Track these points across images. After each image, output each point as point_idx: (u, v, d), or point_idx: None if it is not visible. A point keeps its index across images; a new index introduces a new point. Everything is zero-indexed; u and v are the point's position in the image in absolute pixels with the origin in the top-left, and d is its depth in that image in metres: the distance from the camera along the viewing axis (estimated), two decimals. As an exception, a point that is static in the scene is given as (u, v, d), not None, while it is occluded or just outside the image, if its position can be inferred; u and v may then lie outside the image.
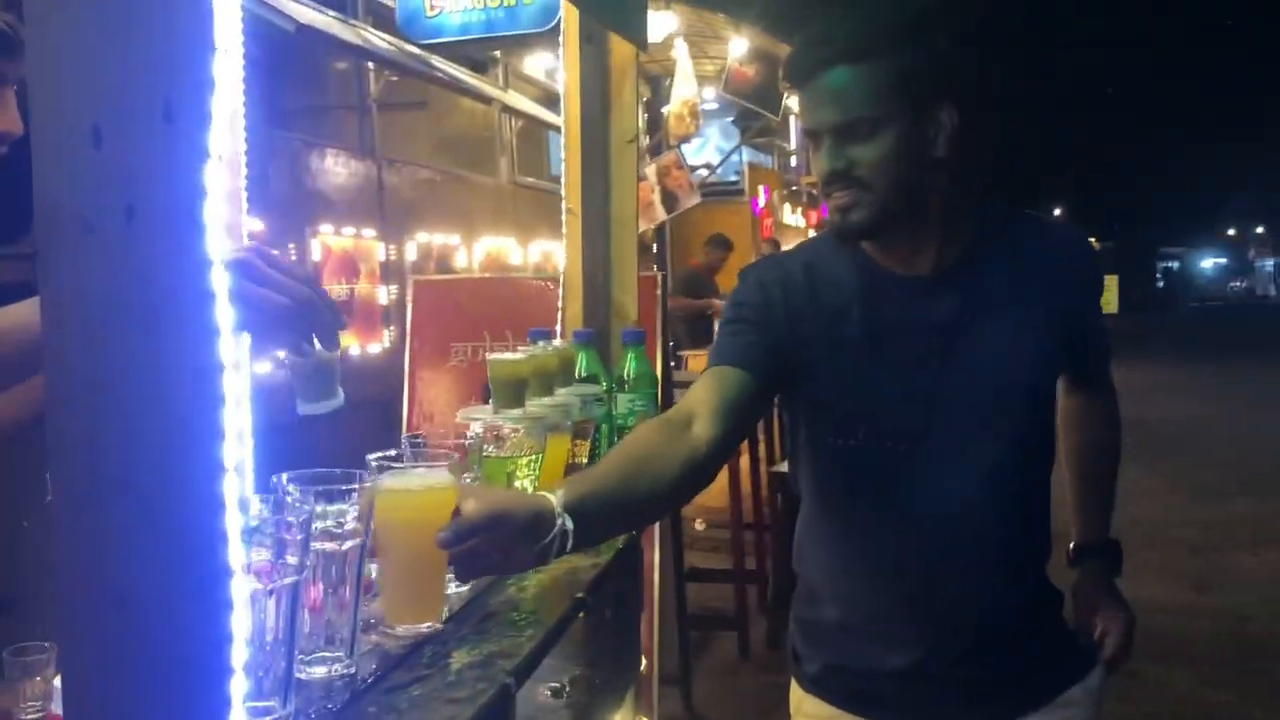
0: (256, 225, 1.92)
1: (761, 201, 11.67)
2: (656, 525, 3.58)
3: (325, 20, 4.16)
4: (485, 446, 1.36)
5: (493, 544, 1.03)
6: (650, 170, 7.20)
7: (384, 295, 4.90)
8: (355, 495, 1.00)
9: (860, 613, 1.51)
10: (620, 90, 1.82)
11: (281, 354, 1.12)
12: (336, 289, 4.62)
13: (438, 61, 5.14)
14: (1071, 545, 1.70)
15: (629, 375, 1.73)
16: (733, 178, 12.44)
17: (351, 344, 4.72)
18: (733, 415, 1.36)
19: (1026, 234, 1.53)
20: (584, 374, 1.73)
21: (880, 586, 1.50)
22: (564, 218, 1.81)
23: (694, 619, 4.65)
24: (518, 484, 1.37)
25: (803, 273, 1.50)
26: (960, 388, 1.46)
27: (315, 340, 1.04)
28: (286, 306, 0.99)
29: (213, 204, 0.62)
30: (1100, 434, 1.71)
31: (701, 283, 8.37)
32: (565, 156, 1.82)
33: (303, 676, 0.98)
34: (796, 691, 1.60)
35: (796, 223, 13.74)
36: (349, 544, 0.99)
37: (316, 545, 0.97)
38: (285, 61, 6.86)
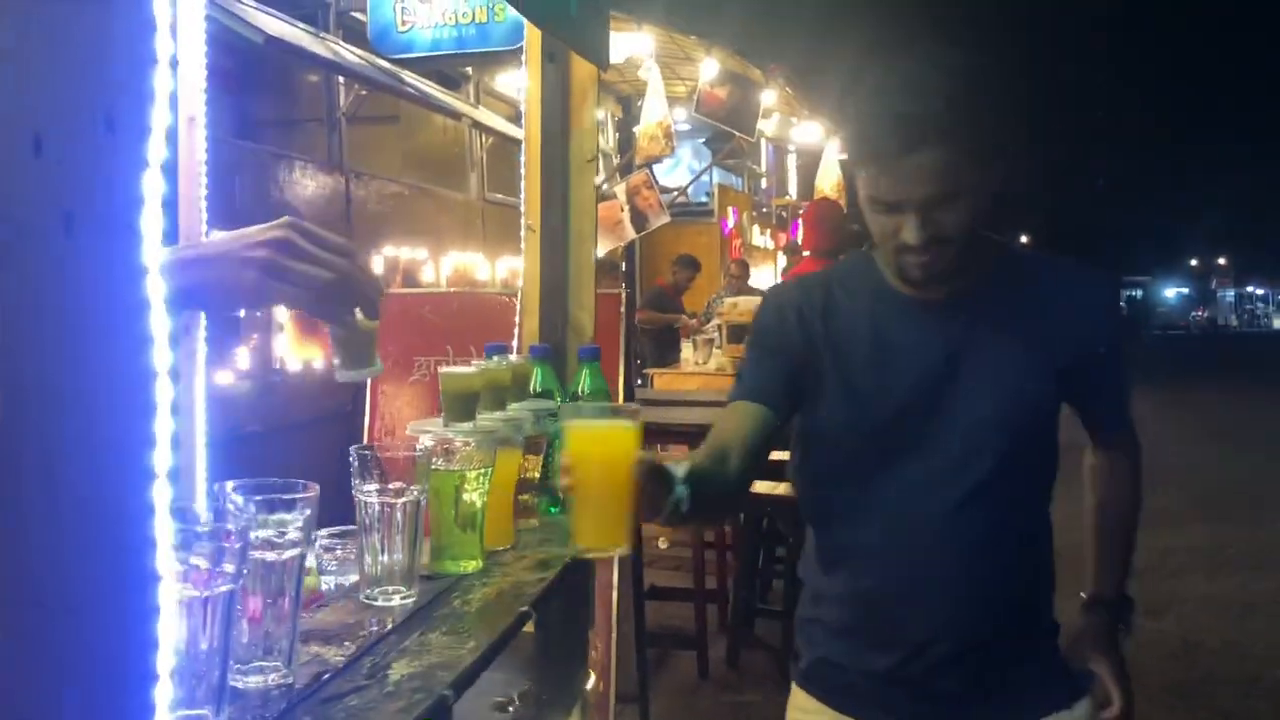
0: (219, 235, 1.92)
1: (731, 223, 11.74)
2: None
3: (295, 33, 4.15)
4: (434, 460, 1.36)
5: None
6: (620, 189, 7.23)
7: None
8: (299, 506, 1.00)
9: (848, 615, 1.60)
10: (581, 109, 1.84)
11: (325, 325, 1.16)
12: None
13: (409, 77, 5.14)
14: (1083, 594, 1.73)
15: (583, 391, 1.74)
16: (703, 199, 12.51)
17: (315, 357, 4.70)
18: (760, 450, 1.51)
19: (1040, 271, 1.61)
20: (539, 389, 1.74)
21: (865, 594, 1.57)
22: (523, 234, 1.82)
23: (653, 637, 4.65)
24: (466, 498, 1.38)
25: (822, 293, 1.61)
26: (953, 411, 1.52)
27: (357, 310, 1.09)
28: (329, 280, 1.02)
29: (151, 212, 0.63)
30: (1119, 492, 1.74)
31: (668, 302, 8.41)
32: (525, 174, 1.84)
33: (239, 686, 0.98)
34: (794, 688, 1.68)
35: (765, 244, 13.82)
36: (289, 554, 1.00)
37: (256, 554, 0.98)
38: (257, 74, 6.85)
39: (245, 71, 6.73)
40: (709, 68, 7.05)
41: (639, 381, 8.56)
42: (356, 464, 1.25)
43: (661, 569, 6.27)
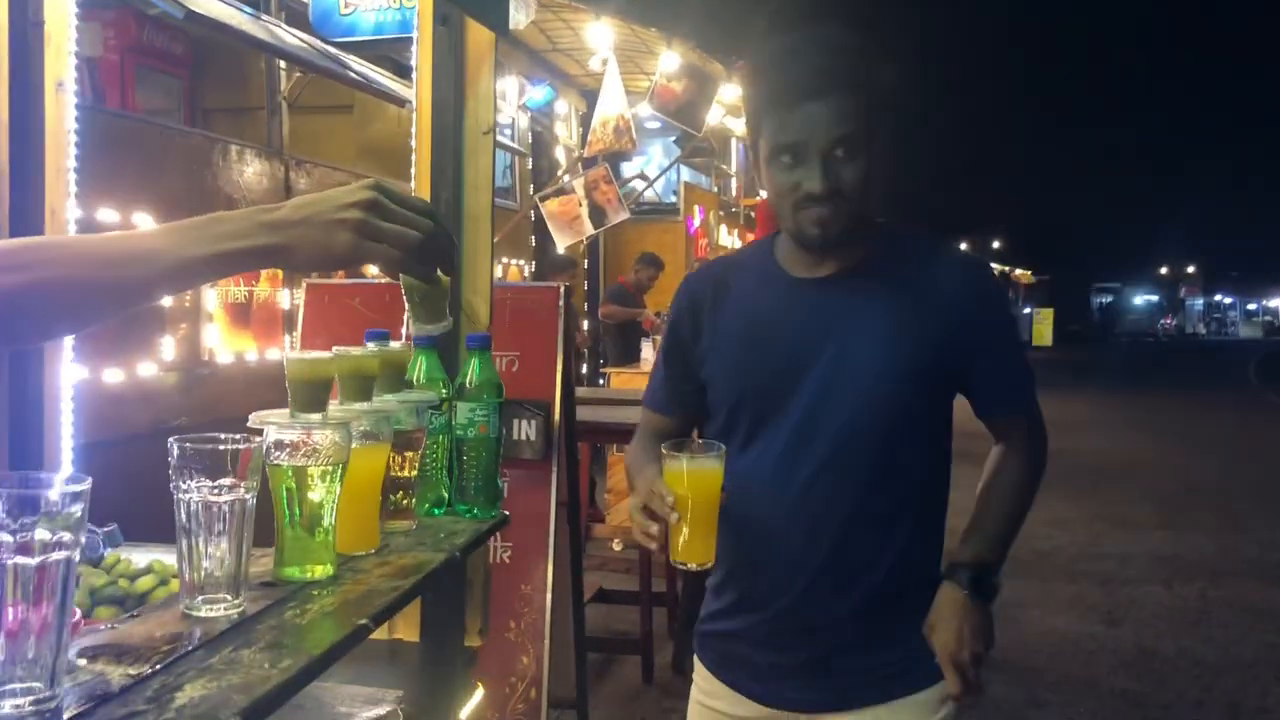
0: (79, 211, 1.80)
1: (696, 221, 11.62)
2: (551, 543, 3.47)
3: (223, 9, 3.99)
4: (273, 453, 1.22)
5: None
6: (578, 184, 7.10)
7: (286, 299, 4.73)
8: (61, 503, 0.86)
9: (719, 578, 1.73)
10: (477, 77, 1.70)
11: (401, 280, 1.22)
12: (235, 291, 4.44)
13: (353, 62, 4.99)
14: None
15: (471, 382, 1.61)
16: (672, 198, 12.39)
17: (249, 348, 4.54)
18: None
19: (921, 252, 1.67)
20: (424, 380, 1.60)
21: (730, 560, 1.66)
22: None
23: (595, 642, 4.53)
24: (311, 497, 1.24)
25: (717, 279, 1.73)
26: (819, 387, 1.59)
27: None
28: (417, 238, 1.06)
29: None
30: (1002, 469, 1.72)
31: (629, 299, 8.28)
32: (416, 146, 1.70)
33: (-16, 711, 0.85)
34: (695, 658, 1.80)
35: (733, 243, 13.73)
36: (51, 557, 0.86)
37: (9, 560, 0.84)
38: (200, 57, 6.68)
39: (191, 55, 6.56)
40: (668, 60, 6.92)
41: (601, 381, 8.43)
42: (176, 458, 1.11)
43: (613, 571, 6.16)
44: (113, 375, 3.69)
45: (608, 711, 4.38)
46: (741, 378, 1.66)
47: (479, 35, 1.71)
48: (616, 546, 6.55)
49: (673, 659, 4.81)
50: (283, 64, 4.79)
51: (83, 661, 0.97)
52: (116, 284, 0.98)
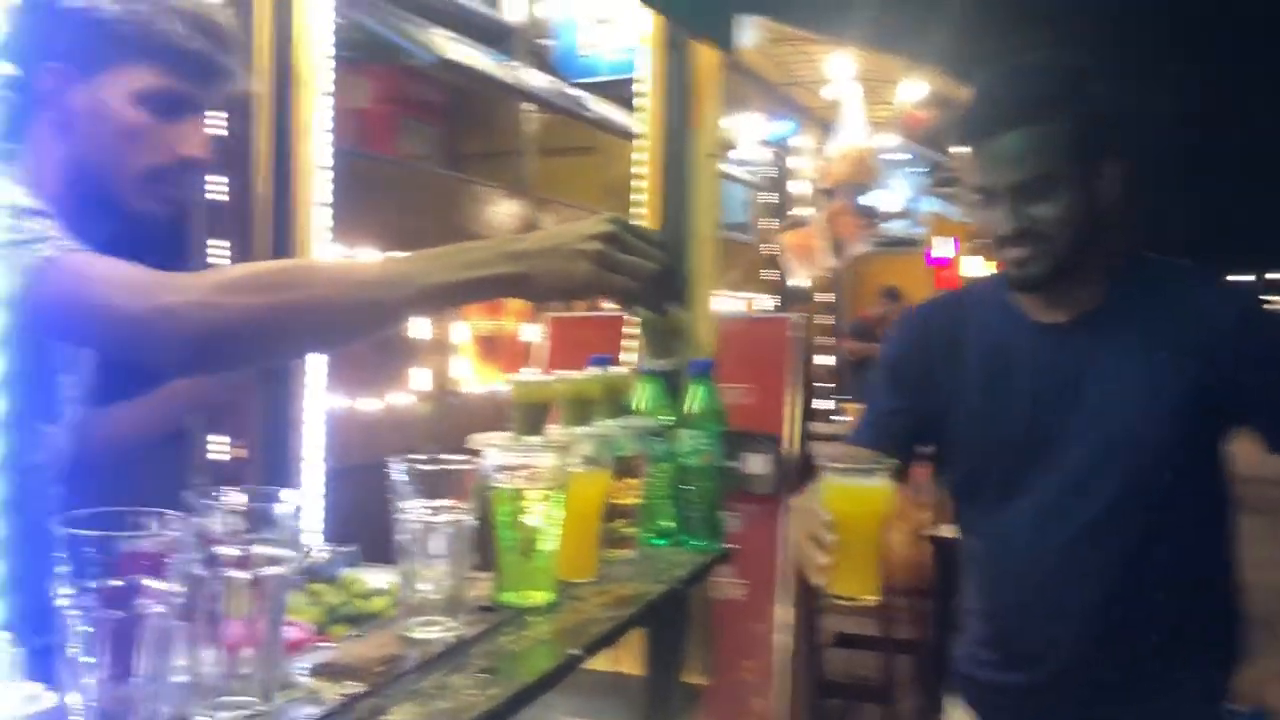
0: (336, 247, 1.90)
1: (938, 252, 11.21)
2: (783, 581, 3.38)
3: (472, 55, 4.18)
4: (494, 475, 1.22)
5: None
6: (819, 216, 6.99)
7: (532, 332, 4.87)
8: (276, 520, 0.87)
9: (983, 631, 1.64)
10: (704, 100, 1.67)
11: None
12: (483, 324, 4.61)
13: (591, 101, 5.12)
14: None
15: (694, 410, 1.56)
16: (920, 229, 12.02)
17: (496, 379, 4.71)
18: None
19: (1176, 285, 1.55)
20: (647, 406, 1.57)
21: (995, 613, 1.61)
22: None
23: (834, 687, 4.37)
24: (528, 522, 1.22)
25: (949, 314, 1.65)
26: (1077, 437, 1.50)
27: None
28: (651, 271, 1.08)
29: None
30: None
31: (869, 334, 8.07)
32: (643, 173, 1.68)
33: (203, 721, 0.86)
34: (949, 697, 1.73)
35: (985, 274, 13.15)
36: (265, 572, 0.86)
37: (228, 573, 0.85)
38: (455, 105, 7.04)
39: (448, 104, 6.93)
40: (915, 89, 6.73)
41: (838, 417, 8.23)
42: (396, 479, 1.12)
43: (856, 615, 5.95)
44: (367, 404, 3.90)
45: (846, 759, 4.21)
46: (988, 430, 1.58)
47: (705, 59, 1.68)
48: (859, 589, 6.34)
49: (918, 708, 4.57)
50: (528, 107, 4.97)
51: (302, 678, 0.98)
52: (369, 305, 1.05)
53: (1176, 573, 1.51)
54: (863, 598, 1.38)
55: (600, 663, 1.80)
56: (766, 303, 8.24)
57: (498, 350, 4.65)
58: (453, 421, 4.35)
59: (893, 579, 4.61)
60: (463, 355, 4.44)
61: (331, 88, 1.81)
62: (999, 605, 1.61)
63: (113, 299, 1.06)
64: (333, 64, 1.82)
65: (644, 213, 1.71)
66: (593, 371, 1.45)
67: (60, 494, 1.36)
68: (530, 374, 1.28)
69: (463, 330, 4.44)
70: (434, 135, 7.13)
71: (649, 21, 1.68)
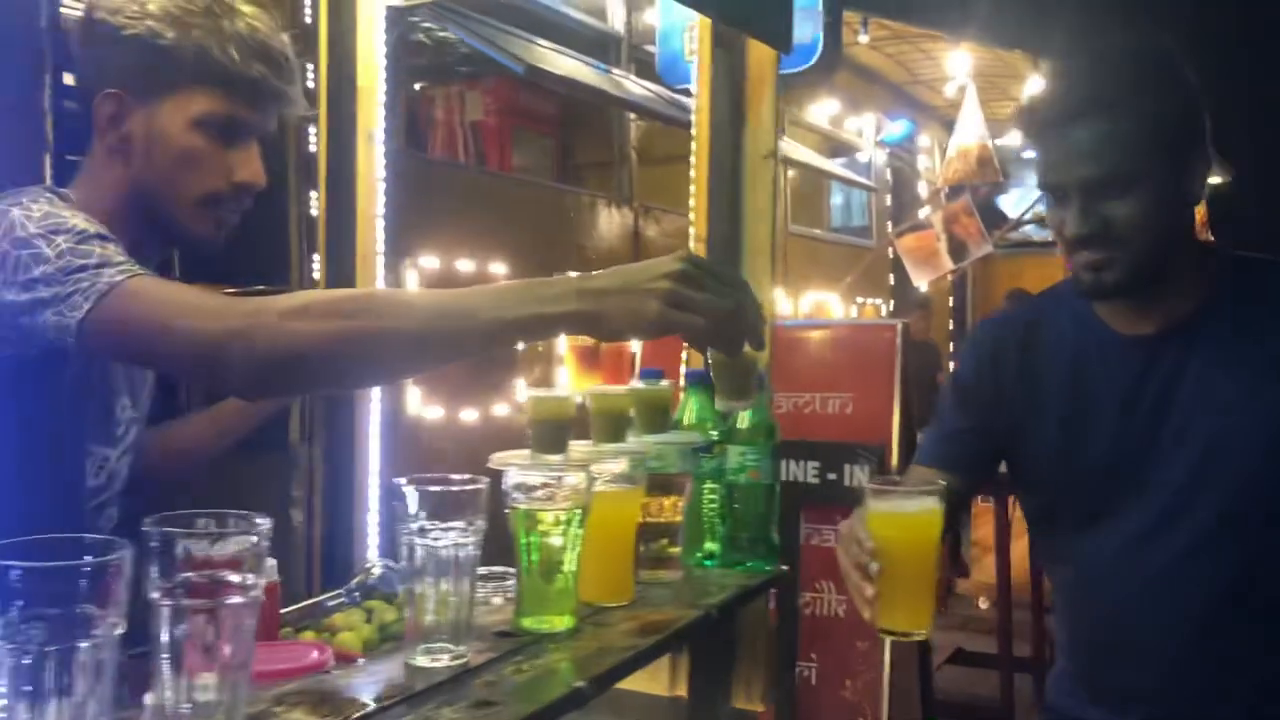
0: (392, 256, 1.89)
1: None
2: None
3: (563, 63, 4.17)
4: (512, 495, 1.17)
5: None
6: (936, 218, 6.78)
7: (634, 342, 4.85)
8: (233, 543, 0.84)
9: (1072, 664, 1.53)
10: (758, 100, 1.59)
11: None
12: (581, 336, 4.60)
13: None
14: None
15: (742, 424, 1.49)
16: (1047, 231, 11.62)
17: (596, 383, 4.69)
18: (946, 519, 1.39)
19: (1262, 286, 1.41)
20: (693, 421, 1.51)
21: (1085, 645, 1.50)
22: (690, 245, 1.60)
23: (948, 707, 4.19)
24: (549, 542, 1.17)
25: (1024, 332, 1.50)
26: (1169, 458, 1.37)
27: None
28: (726, 310, 1.06)
29: None
30: None
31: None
32: (695, 177, 1.61)
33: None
34: None
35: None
36: (232, 600, 0.83)
37: (186, 602, 0.82)
38: (568, 116, 7.09)
39: (561, 115, 6.98)
40: (1034, 84, 6.47)
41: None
42: (400, 499, 1.08)
43: (976, 632, 5.73)
44: (469, 414, 3.92)
45: (961, 784, 4.04)
46: (1068, 455, 1.44)
47: (760, 55, 1.60)
48: (983, 605, 6.11)
49: (1038, 731, 4.35)
50: (632, 116, 4.94)
51: (280, 708, 0.95)
52: (435, 336, 1.05)
53: None
54: (913, 632, 1.25)
55: (657, 686, 1.74)
56: (884, 308, 8.05)
57: (600, 360, 4.63)
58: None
59: (1013, 593, 4.42)
60: (564, 365, 4.44)
61: (384, 94, 1.79)
62: (1083, 642, 1.50)
63: (181, 323, 1.06)
64: (384, 68, 1.80)
65: (694, 217, 1.64)
66: (632, 385, 1.39)
67: (113, 516, 1.37)
68: (549, 390, 1.23)
69: (563, 341, 4.44)
70: (549, 147, 7.21)
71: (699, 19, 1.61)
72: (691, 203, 1.64)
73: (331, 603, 1.63)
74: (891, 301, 8.28)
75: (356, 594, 1.69)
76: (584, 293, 1.04)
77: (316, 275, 2.26)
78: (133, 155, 1.27)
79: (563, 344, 4.57)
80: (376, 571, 1.74)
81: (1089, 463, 1.42)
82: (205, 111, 1.26)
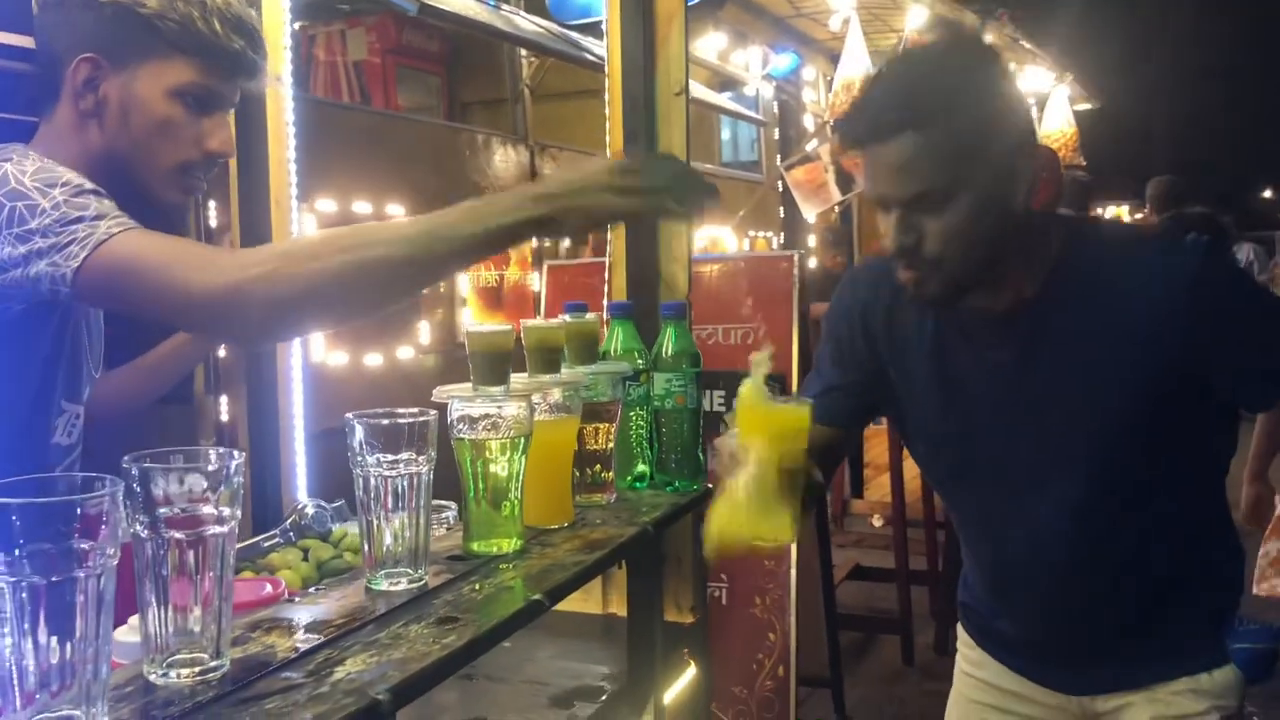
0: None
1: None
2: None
3: (460, 2, 4.12)
4: (456, 427, 1.22)
5: None
6: (824, 150, 6.90)
7: (535, 281, 4.87)
8: (213, 477, 0.87)
9: (976, 585, 1.61)
10: (667, 36, 1.63)
11: None
12: (486, 275, 4.60)
13: (591, 44, 5.06)
14: None
15: (667, 353, 1.55)
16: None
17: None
18: (828, 460, 1.44)
19: (1114, 260, 1.39)
20: (619, 351, 1.57)
21: (982, 579, 1.59)
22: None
23: (851, 620, 4.39)
24: (494, 470, 1.22)
25: (890, 297, 1.47)
26: (1030, 427, 1.41)
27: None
28: (666, 183, 1.18)
29: None
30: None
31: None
32: (609, 113, 1.65)
33: (154, 680, 0.87)
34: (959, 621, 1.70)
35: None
36: (213, 530, 0.87)
37: (170, 534, 0.86)
38: (454, 54, 6.98)
39: (447, 53, 6.88)
40: (917, 15, 6.59)
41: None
42: (354, 433, 1.12)
43: (872, 548, 5.97)
44: (373, 359, 3.92)
45: (865, 691, 4.25)
46: (935, 422, 1.48)
47: (667, -7, 1.64)
48: (876, 522, 6.36)
49: (934, 639, 4.60)
50: (524, 52, 4.91)
51: (255, 633, 0.99)
52: (426, 258, 1.10)
53: (1160, 543, 1.44)
54: (776, 539, 1.18)
55: (594, 605, 1.82)
56: (775, 241, 8.19)
57: (502, 300, 4.64)
58: (459, 373, 4.36)
59: (908, 509, 4.63)
60: (468, 307, 4.44)
61: (289, 38, 1.79)
62: (982, 575, 1.59)
63: (182, 276, 1.06)
64: (289, 13, 1.79)
65: (608, 154, 1.69)
66: (574, 318, 1.45)
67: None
68: (486, 325, 1.28)
69: (465, 282, 4.43)
70: (435, 85, 7.09)
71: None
72: (607, 139, 1.68)
73: (267, 543, 1.66)
74: (783, 234, 8.41)
75: (291, 534, 1.72)
76: (538, 198, 1.12)
77: (214, 222, 2.23)
78: (106, 120, 1.27)
79: (464, 285, 4.58)
80: (310, 511, 1.77)
81: (955, 430, 1.45)
82: (184, 81, 1.27)
